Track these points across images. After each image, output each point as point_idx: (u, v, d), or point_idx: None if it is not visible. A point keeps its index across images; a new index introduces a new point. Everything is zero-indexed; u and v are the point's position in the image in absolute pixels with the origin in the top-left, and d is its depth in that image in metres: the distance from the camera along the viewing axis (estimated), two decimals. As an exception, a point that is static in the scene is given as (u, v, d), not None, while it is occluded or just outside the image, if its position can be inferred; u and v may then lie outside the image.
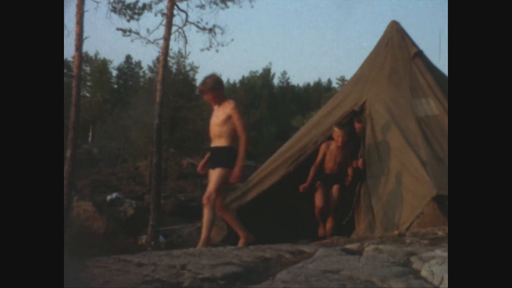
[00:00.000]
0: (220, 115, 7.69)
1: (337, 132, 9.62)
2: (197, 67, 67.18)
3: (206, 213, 7.61)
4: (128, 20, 22.37)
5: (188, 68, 64.24)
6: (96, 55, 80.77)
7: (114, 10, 22.09)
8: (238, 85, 74.30)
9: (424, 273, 3.96)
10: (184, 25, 21.28)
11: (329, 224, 9.72)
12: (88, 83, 76.32)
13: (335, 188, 9.83)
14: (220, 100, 7.80)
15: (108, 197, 16.86)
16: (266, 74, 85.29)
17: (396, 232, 7.32)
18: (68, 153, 17.31)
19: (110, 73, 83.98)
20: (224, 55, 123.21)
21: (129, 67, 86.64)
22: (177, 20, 21.50)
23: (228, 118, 7.63)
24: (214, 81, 7.91)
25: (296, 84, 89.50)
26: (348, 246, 5.48)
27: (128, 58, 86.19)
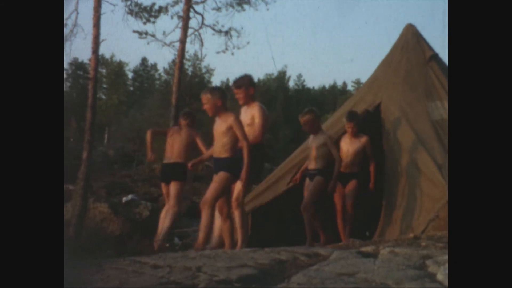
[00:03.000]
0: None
1: (345, 123, 9.62)
2: (212, 70, 67.19)
3: (203, 217, 7.72)
4: (145, 23, 22.50)
5: (204, 70, 64.25)
6: (112, 57, 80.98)
7: (130, 12, 22.21)
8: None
9: (439, 276, 3.95)
10: (200, 27, 21.37)
11: (347, 227, 9.56)
12: (104, 85, 76.52)
13: (350, 184, 9.67)
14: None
15: (124, 199, 16.86)
16: (282, 76, 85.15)
17: (411, 235, 7.30)
18: (84, 155, 17.36)
19: (126, 75, 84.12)
20: (239, 58, 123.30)
21: (145, 69, 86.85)
22: (193, 22, 21.58)
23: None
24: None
25: (311, 87, 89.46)
26: (364, 248, 5.47)
27: (144, 60, 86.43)
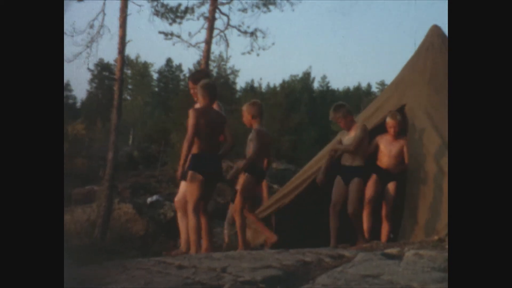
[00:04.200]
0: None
1: (389, 123, 9.46)
2: (237, 71, 67.39)
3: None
4: (170, 24, 22.56)
5: (229, 71, 64.40)
6: (137, 58, 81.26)
7: (156, 13, 22.28)
8: (278, 89, 74.19)
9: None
10: (226, 28, 21.37)
11: (384, 228, 9.46)
12: (130, 86, 76.84)
13: (391, 186, 9.43)
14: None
15: (148, 200, 16.96)
16: (306, 78, 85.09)
17: (436, 237, 7.26)
18: (109, 156, 17.48)
19: (151, 76, 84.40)
20: (265, 59, 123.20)
21: (170, 70, 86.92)
22: (219, 23, 21.55)
23: None
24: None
25: (336, 88, 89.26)
26: (388, 250, 5.46)
27: (169, 61, 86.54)
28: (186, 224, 7.78)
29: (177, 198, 7.90)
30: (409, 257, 4.92)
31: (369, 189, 9.27)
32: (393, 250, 5.42)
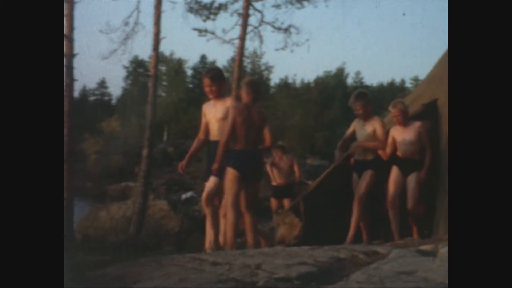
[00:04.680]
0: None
1: (392, 112, 9.11)
2: (271, 67, 67.48)
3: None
4: (204, 20, 22.59)
5: (263, 68, 64.51)
6: (172, 55, 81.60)
7: (190, 10, 22.35)
8: (312, 85, 74.07)
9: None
10: (260, 25, 21.34)
11: (413, 223, 9.08)
12: (164, 83, 77.21)
13: (412, 177, 9.00)
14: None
15: (183, 196, 17.03)
16: (340, 74, 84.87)
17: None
18: (144, 152, 17.57)
19: (185, 72, 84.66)
20: (298, 55, 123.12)
21: (204, 66, 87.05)
22: (253, 20, 21.55)
23: None
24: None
25: (369, 84, 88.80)
26: (423, 247, 5.42)
27: (203, 58, 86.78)
28: (212, 223, 7.66)
29: (204, 195, 7.73)
30: (443, 254, 4.88)
31: (391, 185, 9.02)
32: (427, 247, 5.38)
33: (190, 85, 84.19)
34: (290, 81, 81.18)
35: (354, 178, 9.00)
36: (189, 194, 16.99)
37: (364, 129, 8.79)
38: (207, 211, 7.55)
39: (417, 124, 9.00)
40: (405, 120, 9.02)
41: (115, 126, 59.08)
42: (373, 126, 8.68)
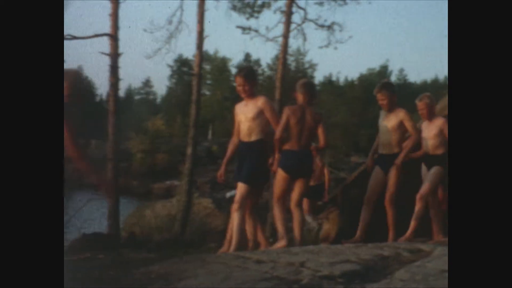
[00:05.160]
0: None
1: (417, 105, 8.78)
2: (315, 65, 67.40)
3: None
4: (248, 18, 22.62)
5: (306, 65, 64.44)
6: (216, 53, 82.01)
7: (234, 8, 22.40)
8: (356, 82, 73.90)
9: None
10: (303, 22, 21.26)
11: (437, 223, 8.79)
12: (208, 81, 77.63)
13: (435, 170, 8.66)
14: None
15: (228, 194, 17.08)
16: (383, 71, 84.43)
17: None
18: (188, 151, 17.64)
19: (230, 71, 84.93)
20: (342, 52, 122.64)
21: (248, 65, 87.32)
22: (296, 17, 21.52)
23: None
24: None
25: (413, 81, 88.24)
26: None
27: (247, 56, 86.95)
28: (239, 224, 7.47)
29: (236, 203, 7.58)
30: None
31: (425, 181, 8.78)
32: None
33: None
34: (334, 78, 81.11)
35: (376, 171, 8.75)
36: (233, 192, 16.93)
37: (388, 120, 8.58)
38: (236, 214, 7.43)
39: (441, 120, 8.68)
40: (431, 114, 8.79)
41: (160, 125, 59.48)
42: (398, 118, 8.44)
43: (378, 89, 8.62)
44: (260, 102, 7.23)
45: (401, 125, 8.42)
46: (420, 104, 8.61)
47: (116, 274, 5.14)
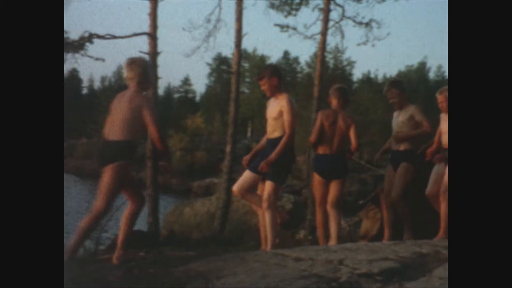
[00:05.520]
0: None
1: (437, 98, 8.33)
2: (354, 62, 67.09)
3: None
4: (286, 16, 22.63)
5: (345, 63, 64.20)
6: (254, 51, 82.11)
7: (272, 6, 22.40)
8: (394, 79, 73.53)
9: None
10: (341, 19, 21.20)
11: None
12: (247, 79, 77.65)
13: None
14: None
15: (267, 192, 17.02)
16: (422, 68, 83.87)
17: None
18: (227, 148, 17.67)
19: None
20: (380, 50, 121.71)
21: (287, 62, 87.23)
22: (334, 15, 21.52)
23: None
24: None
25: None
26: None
27: (286, 53, 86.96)
28: (272, 221, 7.25)
29: (265, 197, 7.54)
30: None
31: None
32: None
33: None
34: (372, 76, 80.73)
35: (389, 168, 8.70)
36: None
37: (399, 117, 8.57)
38: (267, 213, 7.38)
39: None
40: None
41: (199, 123, 59.74)
42: (408, 113, 8.39)
43: (388, 87, 8.65)
44: (282, 101, 7.22)
45: (411, 120, 8.36)
46: (440, 97, 8.32)
47: (156, 272, 5.19)
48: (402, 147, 8.41)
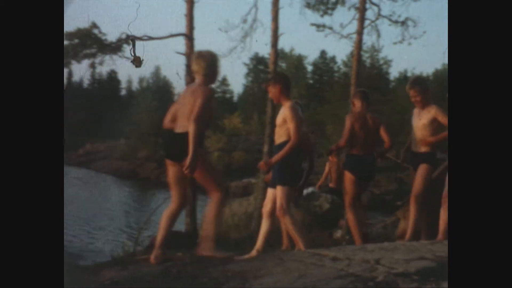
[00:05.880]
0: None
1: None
2: (390, 61, 66.72)
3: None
4: (322, 15, 22.58)
5: (381, 62, 63.81)
6: (291, 51, 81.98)
7: (307, 5, 22.39)
8: (430, 77, 72.91)
9: None
10: (377, 18, 21.11)
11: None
12: (284, 79, 77.50)
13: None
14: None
15: (304, 192, 16.99)
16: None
17: None
18: (265, 148, 17.71)
19: (306, 68, 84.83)
20: (416, 48, 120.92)
21: (324, 62, 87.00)
22: (370, 13, 21.35)
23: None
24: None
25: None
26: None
27: (323, 53, 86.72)
28: (295, 224, 7.45)
29: (280, 203, 7.48)
30: None
31: None
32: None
33: (311, 81, 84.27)
34: (409, 74, 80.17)
35: (410, 170, 8.56)
36: (310, 189, 16.88)
37: (420, 117, 8.23)
38: (286, 218, 7.41)
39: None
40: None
41: (237, 123, 59.94)
42: (430, 114, 8.08)
43: (410, 85, 8.30)
44: (285, 109, 7.24)
45: (433, 122, 8.07)
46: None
47: (194, 272, 5.23)
48: (423, 149, 8.17)
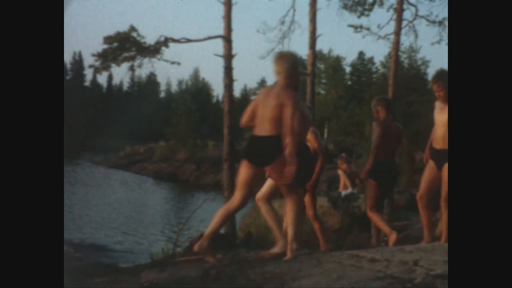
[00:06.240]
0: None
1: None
2: (428, 61, 66.11)
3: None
4: (359, 16, 22.58)
5: (419, 62, 63.38)
6: (329, 52, 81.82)
7: (345, 7, 22.38)
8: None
9: None
10: (414, 19, 21.08)
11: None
12: (323, 80, 77.50)
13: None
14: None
15: (343, 193, 16.96)
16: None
17: None
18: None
19: (344, 69, 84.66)
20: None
21: (362, 63, 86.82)
22: (407, 14, 21.36)
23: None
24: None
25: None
26: None
27: (361, 54, 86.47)
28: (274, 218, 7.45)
29: (258, 194, 7.52)
30: None
31: None
32: None
33: (349, 82, 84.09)
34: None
35: (430, 165, 7.84)
36: (349, 190, 16.88)
37: (443, 113, 7.58)
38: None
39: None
40: None
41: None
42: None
43: (434, 80, 7.76)
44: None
45: None
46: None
47: (232, 273, 5.25)
48: (446, 146, 7.44)
